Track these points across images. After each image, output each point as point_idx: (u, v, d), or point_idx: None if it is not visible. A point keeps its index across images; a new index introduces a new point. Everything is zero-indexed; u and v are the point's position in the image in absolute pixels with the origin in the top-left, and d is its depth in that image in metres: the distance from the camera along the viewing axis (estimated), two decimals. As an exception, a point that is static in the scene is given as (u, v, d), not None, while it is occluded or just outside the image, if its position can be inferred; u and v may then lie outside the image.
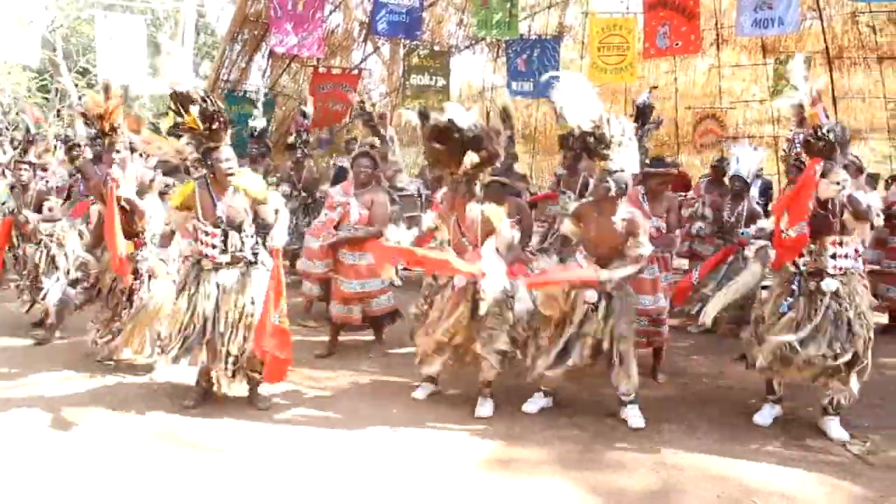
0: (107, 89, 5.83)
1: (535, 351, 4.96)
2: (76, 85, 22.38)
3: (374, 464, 4.26)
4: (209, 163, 4.87)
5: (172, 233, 5.35)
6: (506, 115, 6.25)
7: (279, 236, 4.93)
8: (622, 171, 4.73)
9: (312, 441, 4.58)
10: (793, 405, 4.91)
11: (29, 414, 4.86)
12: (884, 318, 7.57)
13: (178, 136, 5.11)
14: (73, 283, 6.34)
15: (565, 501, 3.87)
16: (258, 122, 10.58)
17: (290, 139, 10.46)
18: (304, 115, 10.39)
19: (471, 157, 4.77)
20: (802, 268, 4.69)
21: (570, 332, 4.80)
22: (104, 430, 4.66)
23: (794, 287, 4.66)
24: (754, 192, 9.12)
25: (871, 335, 4.60)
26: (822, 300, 4.57)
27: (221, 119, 4.81)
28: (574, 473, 4.17)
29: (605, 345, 4.75)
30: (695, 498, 3.90)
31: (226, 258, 4.91)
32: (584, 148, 4.97)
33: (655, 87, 8.56)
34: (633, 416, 4.87)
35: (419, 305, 5.23)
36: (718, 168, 8.79)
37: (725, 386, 5.72)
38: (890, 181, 10.27)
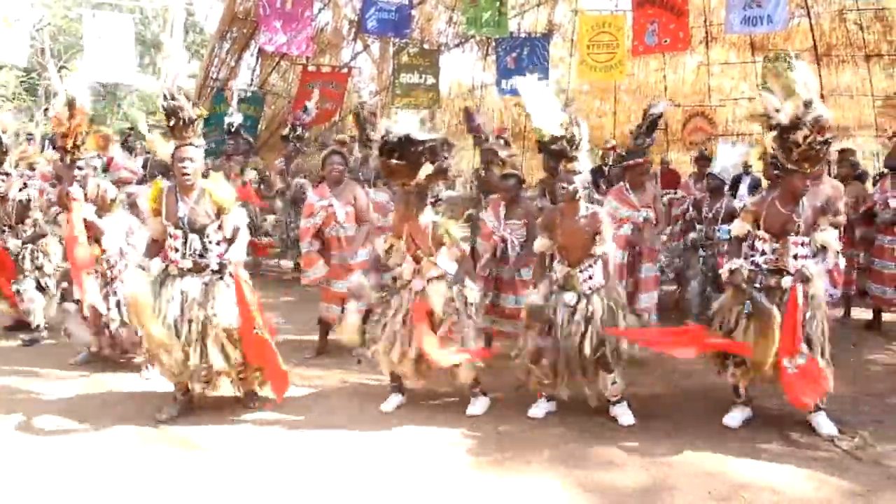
0: (71, 105, 5.62)
1: (524, 359, 4.99)
2: (64, 87, 22.27)
3: (365, 464, 4.26)
4: (173, 160, 4.79)
5: (155, 241, 4.97)
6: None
7: (234, 252, 4.83)
8: (581, 172, 4.86)
9: (303, 441, 4.58)
10: (780, 402, 4.93)
11: (17, 416, 4.85)
12: (867, 314, 7.64)
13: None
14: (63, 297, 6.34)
15: (556, 500, 3.88)
16: (235, 117, 10.54)
17: (284, 132, 10.46)
18: (305, 110, 10.39)
19: (426, 170, 4.78)
20: (763, 265, 4.72)
21: (554, 335, 4.80)
22: (95, 430, 4.65)
23: (753, 289, 4.67)
24: (743, 189, 9.14)
25: (824, 336, 4.63)
26: (780, 297, 4.59)
27: (183, 117, 4.69)
28: (564, 472, 4.18)
29: (587, 347, 4.72)
30: (685, 494, 3.91)
31: (187, 263, 4.77)
32: (555, 152, 4.94)
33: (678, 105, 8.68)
34: (623, 413, 4.90)
35: (377, 311, 5.15)
36: (701, 162, 8.88)
37: (715, 382, 5.72)
38: (878, 178, 10.30)
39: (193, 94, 4.82)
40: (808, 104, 4.52)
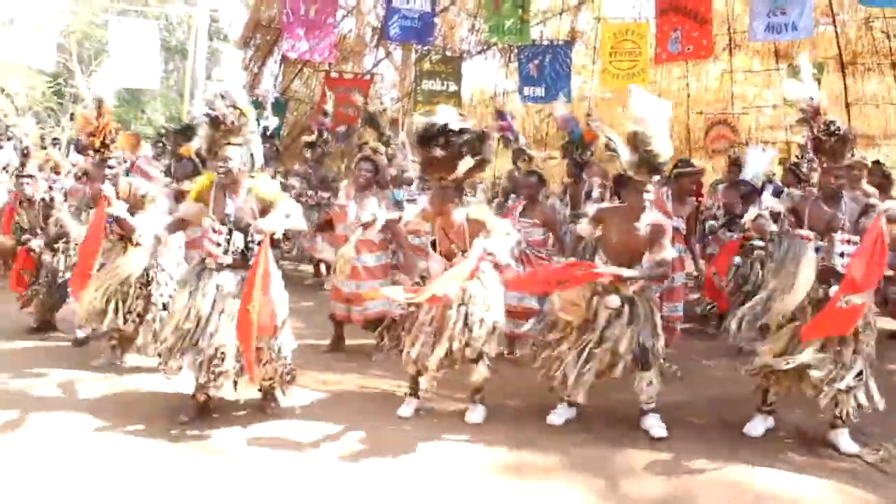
0: (99, 105, 5.72)
1: (556, 361, 4.84)
2: (90, 90, 22.52)
3: (381, 470, 4.24)
4: (216, 162, 4.83)
5: (182, 221, 5.08)
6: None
7: (270, 222, 4.75)
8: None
9: (318, 446, 4.56)
10: (805, 411, 4.87)
11: (28, 417, 4.87)
12: (891, 324, 7.53)
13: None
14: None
15: (575, 507, 3.85)
16: (270, 121, 10.59)
17: (311, 137, 10.48)
18: (325, 114, 10.43)
19: (466, 163, 4.72)
20: None
21: (591, 339, 4.69)
22: (112, 433, 4.67)
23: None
24: (766, 196, 9.06)
25: (870, 347, 4.51)
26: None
27: (224, 123, 4.74)
28: (583, 479, 4.14)
29: (626, 352, 4.65)
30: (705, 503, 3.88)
31: (227, 259, 4.81)
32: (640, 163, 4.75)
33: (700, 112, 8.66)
34: (655, 425, 4.79)
35: (405, 307, 5.04)
36: (732, 168, 8.80)
37: (738, 391, 5.67)
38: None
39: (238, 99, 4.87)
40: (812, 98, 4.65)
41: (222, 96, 4.75)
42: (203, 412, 4.93)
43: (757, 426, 4.83)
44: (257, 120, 5.25)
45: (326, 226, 7.08)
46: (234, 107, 4.77)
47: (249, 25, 14.82)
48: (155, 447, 4.44)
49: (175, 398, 5.19)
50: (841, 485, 4.08)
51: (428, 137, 4.69)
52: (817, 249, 4.55)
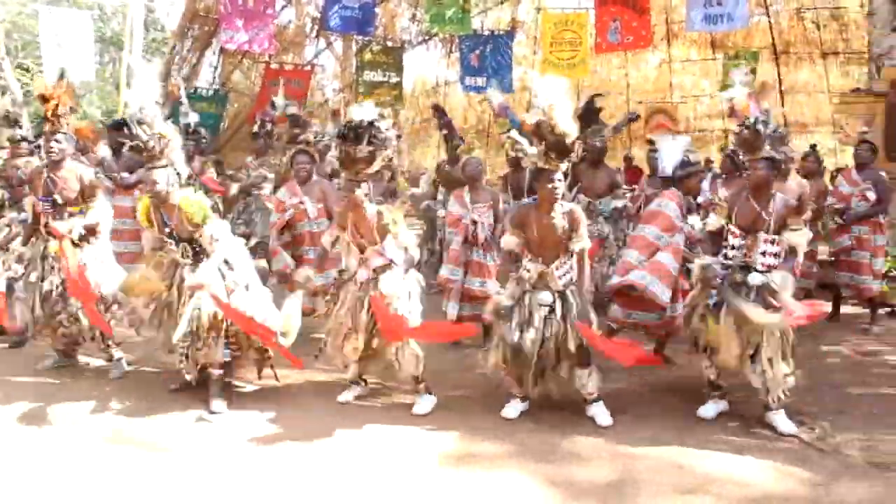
0: (61, 77, 5.73)
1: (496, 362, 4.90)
2: (19, 81, 21.84)
3: (331, 461, 4.24)
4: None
5: (154, 250, 5.28)
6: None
7: (200, 274, 4.93)
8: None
9: (265, 440, 4.55)
10: (744, 394, 4.99)
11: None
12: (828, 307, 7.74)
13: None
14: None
15: (523, 494, 3.89)
16: (190, 117, 10.30)
17: (255, 128, 10.28)
18: (273, 105, 10.24)
19: (382, 159, 4.86)
20: (731, 262, 4.78)
21: (528, 336, 4.69)
22: (61, 431, 4.57)
23: (719, 280, 4.74)
24: (705, 185, 9.23)
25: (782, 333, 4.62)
26: (747, 294, 4.64)
27: (145, 145, 4.99)
28: (531, 466, 4.19)
29: (571, 343, 4.70)
30: (651, 487, 3.95)
31: (188, 261, 5.07)
32: (559, 151, 4.73)
33: (599, 95, 8.65)
34: (601, 413, 4.85)
35: (326, 302, 5.27)
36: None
37: (679, 376, 5.79)
38: (835, 174, 10.48)
39: (155, 117, 5.08)
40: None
41: (139, 122, 4.98)
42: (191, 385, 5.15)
43: (709, 409, 4.92)
44: (176, 119, 5.35)
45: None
46: (152, 131, 5.00)
47: (186, 16, 14.52)
48: (103, 445, 4.36)
49: (121, 391, 5.12)
50: (779, 464, 4.20)
51: (352, 135, 4.76)
52: (741, 247, 4.74)
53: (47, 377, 5.67)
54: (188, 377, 5.04)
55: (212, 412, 4.96)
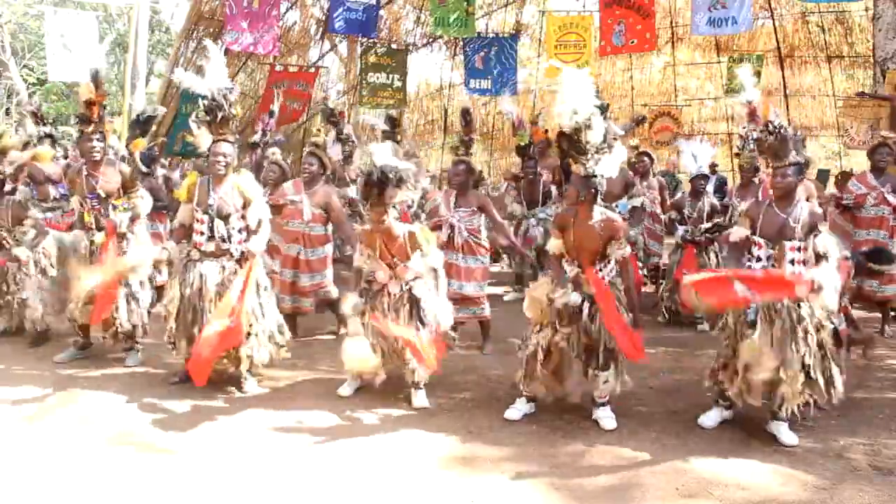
0: (96, 77, 5.83)
1: (523, 357, 4.94)
2: (25, 81, 21.90)
3: (331, 463, 4.23)
4: (209, 154, 5.28)
5: (182, 226, 5.51)
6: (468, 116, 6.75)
7: (256, 243, 5.32)
8: (595, 176, 4.67)
9: (266, 442, 4.54)
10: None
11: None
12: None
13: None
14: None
15: (525, 497, 3.88)
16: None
17: (255, 138, 10.30)
18: (271, 114, 10.26)
19: (402, 194, 4.96)
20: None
21: (556, 336, 4.75)
22: (62, 432, 4.58)
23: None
24: (710, 188, 9.26)
25: (819, 349, 4.49)
26: (777, 310, 4.48)
27: (222, 115, 5.23)
28: (533, 469, 4.18)
29: (598, 346, 4.72)
30: (653, 491, 3.94)
31: (210, 247, 5.26)
32: (567, 149, 4.84)
33: (644, 105, 8.73)
34: (606, 417, 4.84)
35: (359, 304, 5.26)
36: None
37: (683, 380, 5.79)
38: (840, 177, 10.46)
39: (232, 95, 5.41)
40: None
41: (218, 90, 5.27)
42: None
43: (711, 417, 4.84)
44: (187, 116, 5.47)
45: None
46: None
47: (191, 17, 14.53)
48: (104, 446, 4.37)
49: (120, 390, 5.12)
50: (782, 468, 4.19)
51: (376, 182, 4.84)
52: (768, 257, 4.60)
53: (50, 378, 5.66)
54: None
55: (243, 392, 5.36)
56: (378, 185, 4.82)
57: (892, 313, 7.56)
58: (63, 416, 4.90)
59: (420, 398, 5.19)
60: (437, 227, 6.49)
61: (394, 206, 4.99)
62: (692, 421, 4.88)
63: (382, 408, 5.15)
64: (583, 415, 4.93)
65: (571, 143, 4.73)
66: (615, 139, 4.83)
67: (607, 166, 4.71)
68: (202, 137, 5.33)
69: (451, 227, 6.46)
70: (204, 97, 5.24)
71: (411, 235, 5.09)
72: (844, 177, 9.80)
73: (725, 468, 4.20)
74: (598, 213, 4.76)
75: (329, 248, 6.96)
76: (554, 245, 5.00)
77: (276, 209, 6.82)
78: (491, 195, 8.80)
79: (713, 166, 10.27)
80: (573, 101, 4.65)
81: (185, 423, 4.80)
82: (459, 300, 6.23)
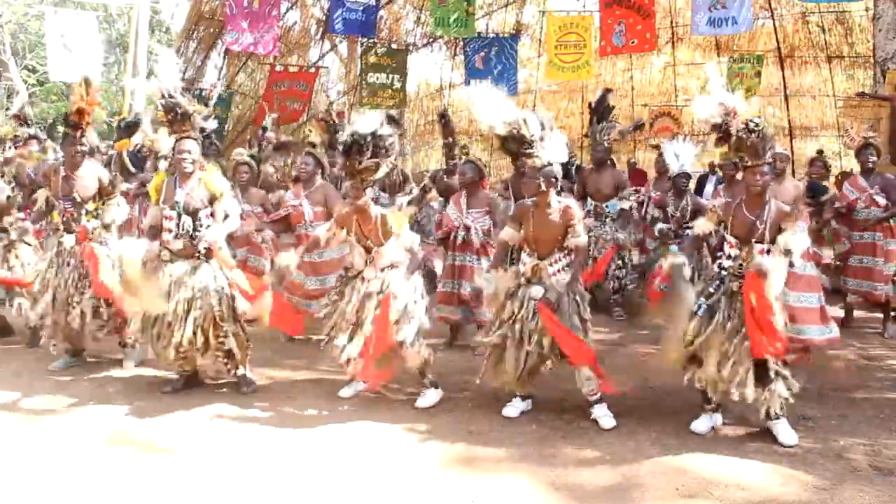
0: (87, 84, 5.82)
1: (489, 355, 4.97)
2: (25, 82, 21.89)
3: (332, 462, 4.23)
4: (173, 153, 5.21)
5: (153, 227, 5.35)
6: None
7: (213, 232, 5.22)
8: (550, 164, 4.79)
9: (266, 441, 4.54)
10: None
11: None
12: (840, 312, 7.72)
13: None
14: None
15: (525, 497, 3.88)
16: (209, 123, 10.28)
17: (252, 151, 10.29)
18: (263, 129, 10.24)
19: (387, 165, 4.94)
20: (724, 272, 4.68)
21: (517, 330, 4.78)
22: (62, 433, 4.57)
23: (712, 289, 4.66)
24: (710, 188, 9.26)
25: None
26: (742, 302, 4.51)
27: (179, 111, 5.13)
28: (533, 469, 4.18)
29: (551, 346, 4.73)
30: (654, 491, 3.93)
31: (178, 244, 5.17)
32: (506, 151, 5.07)
33: (610, 90, 8.66)
34: (604, 416, 4.83)
35: (329, 298, 5.28)
36: (661, 160, 9.03)
37: (681, 380, 5.77)
38: (840, 178, 10.45)
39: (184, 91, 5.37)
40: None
41: (174, 88, 5.17)
42: (189, 384, 5.47)
43: (702, 423, 4.78)
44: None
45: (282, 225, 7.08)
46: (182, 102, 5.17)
47: (192, 17, 14.54)
48: (101, 446, 4.37)
49: (119, 391, 5.12)
50: (782, 468, 4.18)
51: (355, 147, 4.80)
52: (736, 257, 4.64)
53: (49, 379, 5.67)
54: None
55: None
56: (352, 150, 4.79)
57: (893, 313, 7.56)
58: (63, 416, 4.91)
59: (429, 397, 5.17)
60: (448, 234, 6.53)
61: (371, 186, 4.99)
62: (692, 421, 4.88)
63: (382, 408, 5.15)
64: (582, 415, 4.92)
65: (515, 141, 4.88)
66: (551, 127, 4.90)
67: (554, 152, 4.82)
68: (163, 139, 5.32)
69: (467, 228, 6.44)
70: (161, 97, 5.17)
71: (383, 218, 5.02)
72: (844, 177, 9.82)
73: (725, 468, 4.20)
74: (556, 201, 4.84)
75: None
76: (507, 234, 5.03)
77: (284, 222, 6.84)
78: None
79: (713, 166, 10.26)
80: (496, 114, 4.84)
81: (184, 424, 4.81)
82: (476, 302, 6.21)
